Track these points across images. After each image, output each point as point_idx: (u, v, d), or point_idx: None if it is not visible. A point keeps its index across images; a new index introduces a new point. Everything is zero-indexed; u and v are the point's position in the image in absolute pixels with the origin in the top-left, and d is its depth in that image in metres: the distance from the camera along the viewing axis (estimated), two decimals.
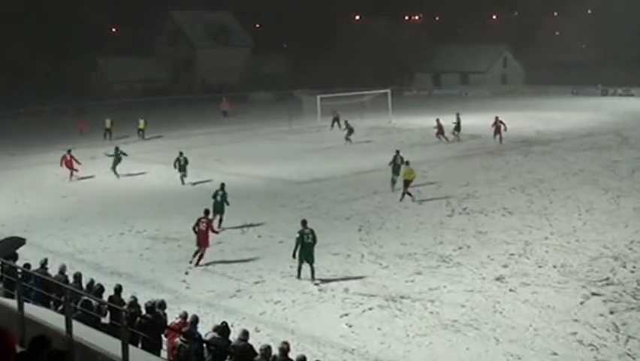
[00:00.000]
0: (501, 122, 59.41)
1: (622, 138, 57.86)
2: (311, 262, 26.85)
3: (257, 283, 26.89)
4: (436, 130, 61.06)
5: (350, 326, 22.49)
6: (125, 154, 50.16)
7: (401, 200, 39.28)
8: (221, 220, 34.47)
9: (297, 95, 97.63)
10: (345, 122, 64.83)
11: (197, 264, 29.05)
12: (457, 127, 61.89)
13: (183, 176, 46.23)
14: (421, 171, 46.01)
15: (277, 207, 38.75)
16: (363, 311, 23.70)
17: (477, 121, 72.73)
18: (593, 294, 24.56)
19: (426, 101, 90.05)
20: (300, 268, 27.07)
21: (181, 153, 46.69)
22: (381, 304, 24.20)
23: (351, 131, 62.43)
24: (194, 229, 29.34)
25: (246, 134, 70.21)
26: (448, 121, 61.55)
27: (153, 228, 35.20)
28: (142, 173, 50.29)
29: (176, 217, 37.09)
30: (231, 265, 28.96)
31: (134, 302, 18.50)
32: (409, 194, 39.49)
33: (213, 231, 30.11)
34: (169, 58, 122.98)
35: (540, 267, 27.65)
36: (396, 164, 41.69)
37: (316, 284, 26.42)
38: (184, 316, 17.99)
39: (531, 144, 58.48)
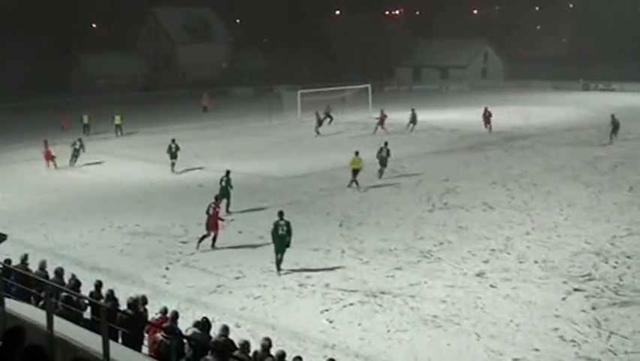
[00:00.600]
0: (490, 112, 62.92)
1: (603, 134, 58.07)
2: (282, 252, 27.29)
3: (237, 278, 26.90)
4: (377, 120, 64.66)
5: (330, 322, 22.53)
6: (83, 147, 51.66)
7: (349, 186, 41.36)
8: (228, 204, 36.06)
9: (277, 90, 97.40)
10: (316, 113, 65.93)
11: (212, 246, 30.39)
12: (413, 120, 64.97)
13: (173, 163, 47.91)
14: (399, 167, 46.32)
15: (257, 203, 38.72)
16: (344, 307, 23.75)
17: (457, 116, 73.12)
18: (575, 290, 24.70)
19: (406, 97, 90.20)
20: (278, 262, 27.28)
21: (173, 140, 48.38)
22: (361, 300, 24.25)
23: (320, 122, 64.57)
24: (207, 212, 30.58)
25: (226, 129, 70.05)
26: (432, 117, 61.63)
27: (133, 223, 35.12)
28: (121, 168, 50.26)
29: (156, 212, 37.12)
30: (212, 261, 28.95)
31: (110, 295, 18.45)
32: (356, 183, 41.26)
33: (219, 218, 30.99)
34: (149, 53, 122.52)
35: (521, 262, 27.78)
36: (382, 156, 43.45)
37: (280, 275, 26.83)
38: (164, 311, 17.96)
39: (512, 139, 58.68)
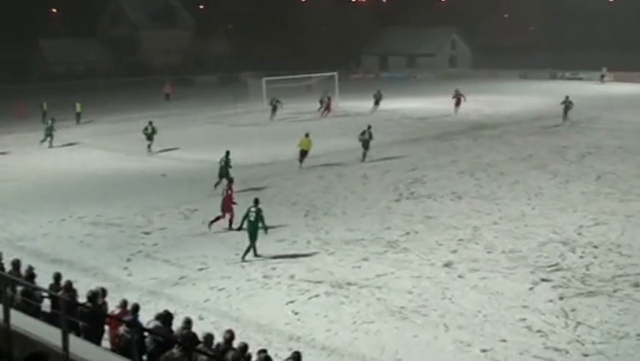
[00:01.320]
0: (461, 94, 66.34)
1: (571, 123, 58.45)
2: (251, 240, 27.63)
3: (201, 270, 26.77)
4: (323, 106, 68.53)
5: (296, 314, 22.48)
6: (54, 130, 53.68)
7: (300, 167, 43.88)
8: (228, 183, 36.14)
9: (243, 77, 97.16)
10: (272, 99, 67.68)
11: (229, 228, 31.08)
12: (377, 101, 70.30)
13: (149, 145, 50.29)
14: (367, 156, 46.20)
15: (221, 193, 38.48)
16: (310, 298, 23.71)
17: (425, 105, 73.31)
18: (542, 280, 24.83)
19: (373, 85, 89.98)
20: (247, 249, 27.55)
21: (150, 123, 50.96)
22: (327, 291, 24.22)
23: (275, 108, 66.59)
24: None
25: (189, 118, 69.73)
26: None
27: (94, 213, 34.84)
28: (82, 157, 49.95)
29: (118, 202, 36.88)
30: (175, 252, 28.78)
31: (68, 286, 18.20)
32: (300, 162, 44.01)
33: (232, 201, 31.71)
34: (111, 39, 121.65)
35: (489, 252, 27.88)
36: (365, 139, 45.66)
37: (242, 265, 27.01)
38: (124, 304, 17.77)
39: (480, 128, 58.91)
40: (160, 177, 42.65)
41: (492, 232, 30.45)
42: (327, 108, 67.86)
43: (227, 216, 31.37)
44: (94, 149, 52.93)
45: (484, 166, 43.67)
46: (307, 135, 44.69)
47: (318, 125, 61.62)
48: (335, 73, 79.97)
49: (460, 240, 29.50)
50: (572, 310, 22.25)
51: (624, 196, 36.07)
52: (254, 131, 60.45)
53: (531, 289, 24.09)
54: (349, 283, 24.87)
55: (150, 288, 24.86)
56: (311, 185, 40.10)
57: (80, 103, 68.00)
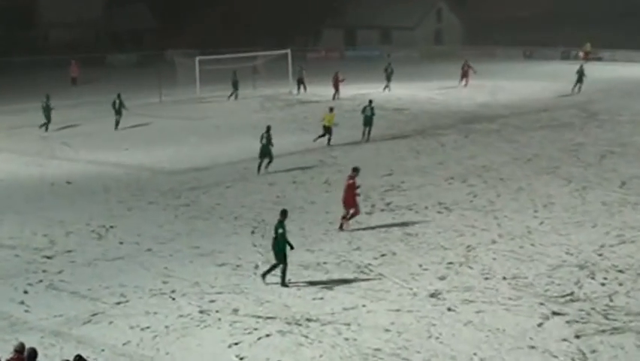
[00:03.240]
0: (470, 66, 74.54)
1: (588, 114, 58.98)
2: (277, 261, 27.93)
3: (119, 303, 26.66)
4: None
5: (241, 359, 22.49)
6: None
7: (329, 145, 49.77)
8: (269, 163, 43.65)
9: (170, 56, 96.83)
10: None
11: (346, 224, 33.62)
12: (388, 78, 75.72)
13: (118, 121, 58.29)
14: (329, 157, 46.41)
15: (144, 205, 38.47)
16: (259, 339, 23.72)
17: (404, 91, 73.50)
18: (554, 313, 24.98)
19: (336, 66, 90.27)
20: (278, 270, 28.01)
21: (118, 95, 59.10)
22: (281, 329, 24.24)
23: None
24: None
25: (101, 108, 68.88)
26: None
27: None
28: None
29: (10, 218, 36.62)
30: (85, 281, 28.61)
31: None
32: (329, 141, 50.42)
33: (356, 192, 33.70)
34: (2, 9, 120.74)
35: (486, 279, 28.03)
36: (367, 115, 51.07)
37: (286, 286, 27.58)
38: (19, 349, 17.68)
39: (473, 120, 59.26)
40: (65, 185, 42.42)
41: (490, 253, 30.60)
42: (336, 88, 71.72)
43: (351, 211, 33.41)
44: None
45: (478, 169, 43.91)
46: (331, 110, 51.47)
47: (269, 118, 61.66)
48: (288, 51, 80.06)
49: (450, 263, 29.62)
50: (592, 351, 22.43)
51: None
52: (185, 125, 60.37)
53: (540, 325, 24.24)
54: (309, 320, 24.90)
55: (54, 328, 24.70)
56: (259, 194, 40.10)
57: None
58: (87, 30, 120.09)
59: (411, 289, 27.29)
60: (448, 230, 33.57)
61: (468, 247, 31.37)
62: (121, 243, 32.79)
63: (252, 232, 33.97)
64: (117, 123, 58.38)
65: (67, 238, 33.24)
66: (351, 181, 33.48)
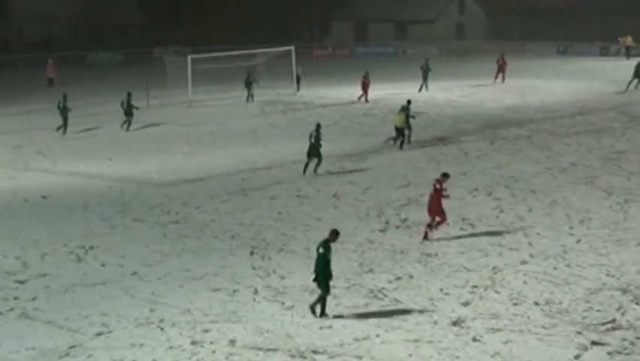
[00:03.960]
0: (505, 61, 77.68)
1: (630, 118, 58.88)
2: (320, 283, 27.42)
3: (100, 334, 26.59)
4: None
5: None
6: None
7: (395, 146, 51.80)
8: (318, 164, 45.60)
9: (159, 54, 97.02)
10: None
11: (424, 236, 34.51)
12: (425, 77, 76.85)
13: (129, 122, 61.55)
14: (338, 167, 46.40)
15: (129, 223, 38.44)
16: None
17: (422, 93, 73.43)
18: (594, 343, 24.86)
19: (346, 64, 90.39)
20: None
21: (128, 95, 61.89)
22: None
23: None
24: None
25: (82, 113, 69.29)
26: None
27: None
28: None
29: None
30: (62, 309, 28.57)
31: None
32: (395, 143, 52.19)
33: (443, 195, 34.68)
34: None
35: (515, 305, 27.92)
36: (407, 115, 52.47)
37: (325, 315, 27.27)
38: None
39: (500, 125, 59.25)
40: (40, 201, 42.44)
41: (519, 276, 30.48)
42: (365, 91, 71.69)
43: (437, 219, 34.29)
44: None
45: (506, 180, 43.86)
46: (405, 108, 52.70)
47: (271, 123, 61.73)
48: (292, 48, 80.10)
49: (475, 287, 29.54)
50: None
51: None
52: (175, 132, 60.43)
53: (577, 357, 24.12)
54: (315, 352, 24.82)
55: None
56: (259, 209, 40.06)
57: None
58: (64, 25, 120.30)
59: (431, 316, 27.18)
60: (471, 250, 33.46)
61: (494, 268, 31.26)
62: (102, 266, 32.75)
63: (251, 253, 33.88)
64: (129, 124, 61.49)
65: (42, 261, 33.18)
66: (438, 186, 34.27)
